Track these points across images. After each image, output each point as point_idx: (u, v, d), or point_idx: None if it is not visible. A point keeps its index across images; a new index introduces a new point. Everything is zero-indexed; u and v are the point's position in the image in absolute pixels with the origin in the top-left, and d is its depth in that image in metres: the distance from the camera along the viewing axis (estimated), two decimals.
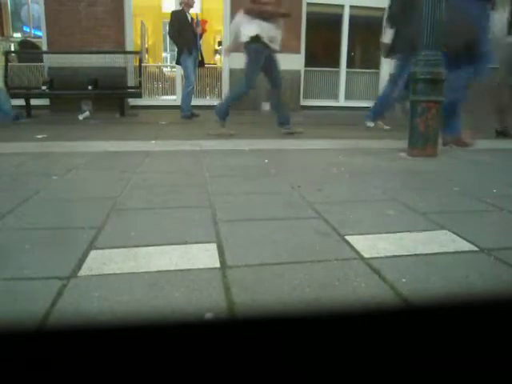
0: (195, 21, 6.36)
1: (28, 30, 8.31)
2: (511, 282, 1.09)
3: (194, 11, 6.57)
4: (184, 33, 6.04)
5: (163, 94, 8.41)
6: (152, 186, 2.07)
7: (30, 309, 0.91)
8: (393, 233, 1.41)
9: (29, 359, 0.30)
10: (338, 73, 8.36)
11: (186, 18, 6.18)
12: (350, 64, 8.47)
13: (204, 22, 7.12)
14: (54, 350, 0.31)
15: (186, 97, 6.17)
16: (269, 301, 0.96)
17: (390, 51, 4.81)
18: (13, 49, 7.93)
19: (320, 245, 1.30)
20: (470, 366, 0.33)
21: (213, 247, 1.26)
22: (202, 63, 6.49)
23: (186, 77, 6.22)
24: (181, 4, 6.19)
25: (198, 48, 6.32)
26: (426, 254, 1.24)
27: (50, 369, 0.30)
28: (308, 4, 8.23)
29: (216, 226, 1.46)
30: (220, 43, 8.71)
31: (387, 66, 8.45)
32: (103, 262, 1.15)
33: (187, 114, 6.03)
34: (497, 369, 0.33)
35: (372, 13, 8.42)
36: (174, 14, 6.27)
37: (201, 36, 6.54)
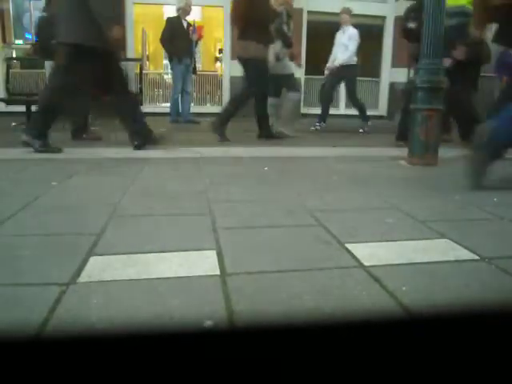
0: (191, 27, 6.41)
1: (30, 37, 8.35)
2: None
3: (192, 18, 6.62)
4: (176, 40, 6.12)
5: (164, 101, 8.43)
6: (152, 192, 2.07)
7: (28, 315, 0.90)
8: (393, 241, 1.41)
9: (26, 366, 0.29)
10: None
11: (181, 25, 6.24)
12: None
13: (200, 28, 7.16)
14: (52, 358, 0.31)
15: (173, 104, 6.57)
16: (268, 308, 0.95)
17: None
18: (14, 55, 7.97)
19: (320, 253, 1.30)
20: (471, 375, 0.33)
21: (212, 254, 1.26)
22: (193, 70, 6.66)
23: (173, 85, 6.62)
24: (178, 10, 6.24)
25: (191, 55, 6.40)
26: (427, 263, 1.24)
27: (47, 376, 0.29)
28: (309, 12, 8.29)
29: (216, 233, 1.46)
30: (220, 51, 8.75)
31: (387, 74, 8.51)
32: (103, 268, 1.14)
33: (174, 119, 6.47)
34: (498, 378, 0.33)
35: (372, 21, 8.48)
36: (169, 21, 6.35)
37: (197, 43, 6.63)
